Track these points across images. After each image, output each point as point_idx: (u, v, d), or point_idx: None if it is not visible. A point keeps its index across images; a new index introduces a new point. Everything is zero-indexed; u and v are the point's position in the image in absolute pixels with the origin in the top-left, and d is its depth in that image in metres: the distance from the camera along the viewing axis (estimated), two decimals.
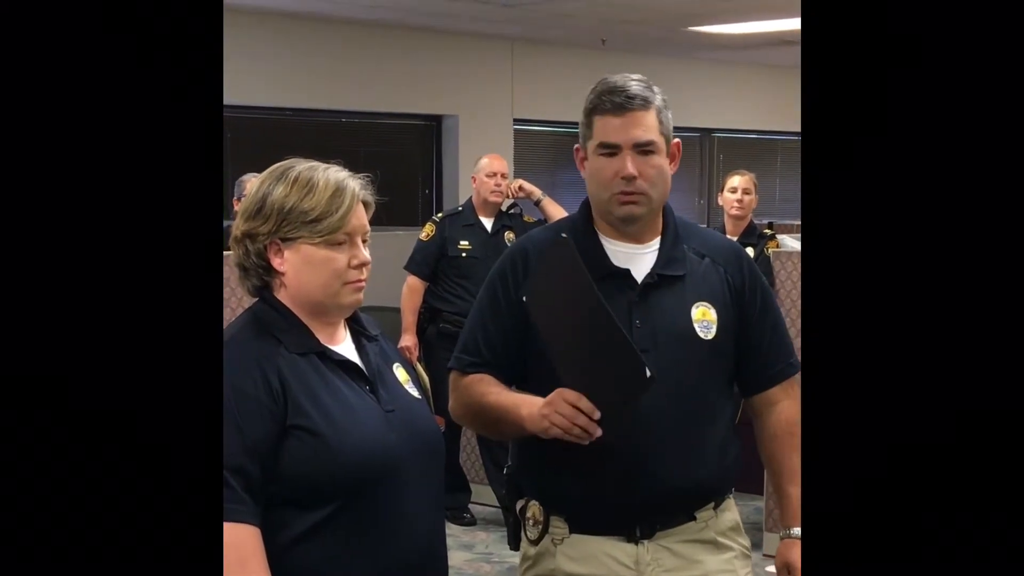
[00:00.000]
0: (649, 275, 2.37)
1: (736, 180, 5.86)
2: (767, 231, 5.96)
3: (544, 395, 2.25)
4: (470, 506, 5.86)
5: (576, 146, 2.43)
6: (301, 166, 2.01)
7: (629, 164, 2.31)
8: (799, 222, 7.78)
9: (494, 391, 2.35)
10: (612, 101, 2.33)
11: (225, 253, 1.96)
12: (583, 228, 2.42)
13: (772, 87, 10.85)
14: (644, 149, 2.33)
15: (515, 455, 2.46)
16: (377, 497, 1.94)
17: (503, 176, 5.81)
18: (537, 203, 5.82)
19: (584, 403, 2.15)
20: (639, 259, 2.39)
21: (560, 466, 2.30)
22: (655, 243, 2.41)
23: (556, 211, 5.75)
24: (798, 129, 1.53)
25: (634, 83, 2.35)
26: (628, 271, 2.36)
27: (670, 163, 2.39)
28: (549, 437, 2.20)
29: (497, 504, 5.67)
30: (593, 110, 2.36)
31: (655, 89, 2.37)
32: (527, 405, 2.25)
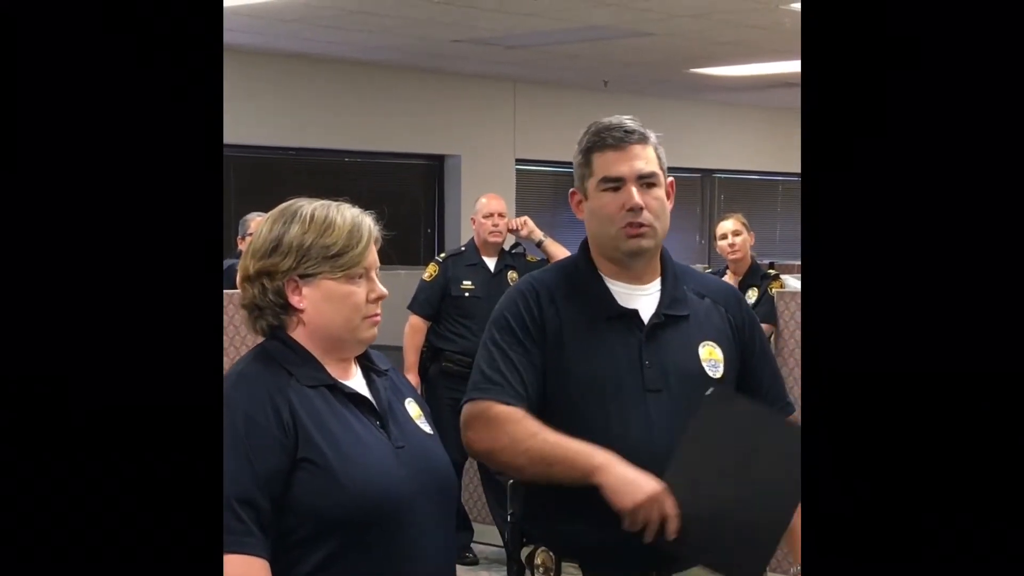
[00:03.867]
0: (655, 315, 2.35)
1: (723, 226, 5.85)
2: (770, 271, 5.95)
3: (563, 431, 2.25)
4: (473, 546, 5.83)
5: (572, 190, 2.42)
6: (312, 205, 2.02)
7: (636, 195, 2.31)
8: (799, 262, 7.79)
9: (545, 430, 2.26)
10: (612, 136, 2.34)
11: (228, 292, 1.96)
12: (585, 269, 2.40)
13: (772, 128, 10.90)
14: (647, 181, 2.33)
15: (521, 502, 2.42)
16: (385, 534, 1.93)
17: (500, 216, 5.82)
18: (539, 244, 5.82)
19: (672, 524, 2.12)
20: (643, 300, 2.37)
21: (574, 512, 2.26)
22: (656, 284, 2.40)
23: (559, 251, 5.76)
24: (798, 170, 1.54)
25: (628, 120, 2.37)
26: (636, 312, 2.35)
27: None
28: (620, 507, 2.16)
29: (500, 544, 5.64)
30: (591, 148, 2.36)
31: (647, 129, 2.38)
32: (602, 457, 2.19)
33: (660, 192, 2.35)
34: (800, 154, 1.51)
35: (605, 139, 2.34)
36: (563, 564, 2.33)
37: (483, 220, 5.80)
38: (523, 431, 2.28)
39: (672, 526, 2.13)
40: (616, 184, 2.33)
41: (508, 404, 2.30)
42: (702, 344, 2.36)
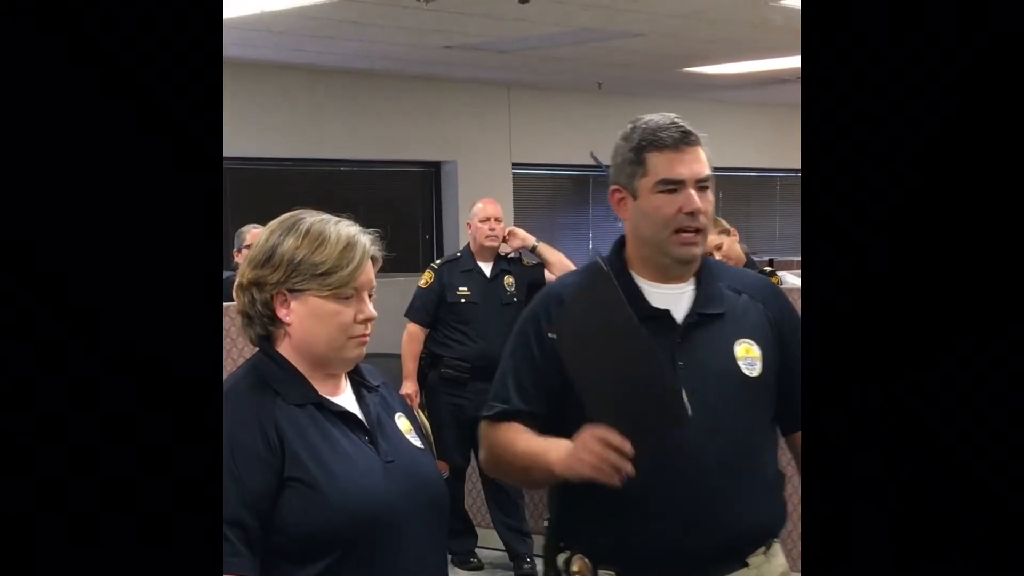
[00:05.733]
0: (689, 315, 2.31)
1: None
2: (767, 268, 5.95)
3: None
4: (477, 550, 5.84)
5: (615, 187, 2.36)
6: (312, 218, 2.00)
7: (696, 198, 2.27)
8: (799, 258, 7.77)
9: (523, 438, 2.28)
10: (671, 136, 2.29)
11: (225, 304, 1.95)
12: (618, 269, 2.33)
13: (769, 125, 10.90)
14: (703, 185, 2.30)
15: (557, 506, 2.39)
16: (376, 549, 1.93)
17: (497, 220, 5.82)
18: (533, 250, 5.82)
19: (614, 437, 2.09)
20: (677, 299, 2.33)
21: (611, 515, 2.23)
22: (690, 282, 2.35)
23: (552, 255, 5.76)
24: (796, 166, 1.52)
25: (680, 120, 2.33)
26: (668, 312, 2.31)
27: None
28: (579, 480, 2.13)
29: (504, 548, 5.65)
30: (645, 147, 2.30)
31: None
32: (556, 449, 2.19)
33: (711, 196, 2.32)
34: (799, 150, 1.50)
35: (663, 139, 2.30)
36: (600, 571, 2.29)
37: (480, 224, 5.80)
38: (504, 442, 2.32)
39: (613, 439, 2.09)
40: (676, 186, 2.29)
41: (507, 420, 2.33)
42: (738, 342, 2.32)
